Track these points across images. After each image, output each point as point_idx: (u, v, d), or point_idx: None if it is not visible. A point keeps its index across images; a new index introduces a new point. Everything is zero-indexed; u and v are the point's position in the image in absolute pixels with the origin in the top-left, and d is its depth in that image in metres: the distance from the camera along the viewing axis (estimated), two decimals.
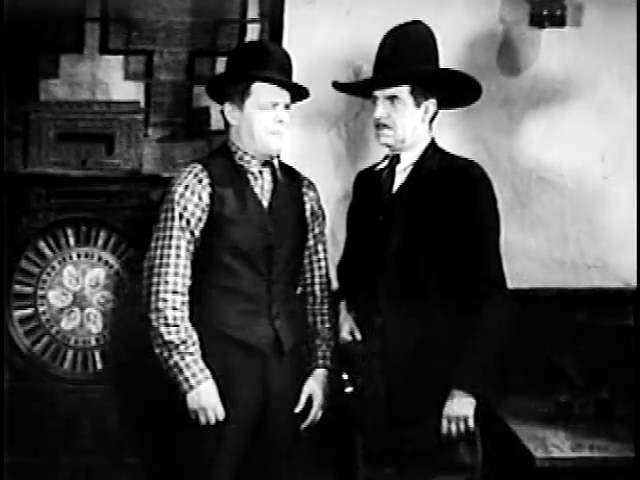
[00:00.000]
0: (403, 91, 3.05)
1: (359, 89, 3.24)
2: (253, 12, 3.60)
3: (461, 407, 2.98)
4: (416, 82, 3.05)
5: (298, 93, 3.18)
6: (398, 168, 3.11)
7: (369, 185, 3.19)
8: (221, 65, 3.56)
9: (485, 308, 2.98)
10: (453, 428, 2.98)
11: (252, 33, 3.59)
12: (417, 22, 3.12)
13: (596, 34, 3.68)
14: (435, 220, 3.01)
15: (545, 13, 3.60)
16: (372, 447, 3.15)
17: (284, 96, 3.10)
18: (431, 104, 3.08)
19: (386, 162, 3.15)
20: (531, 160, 3.71)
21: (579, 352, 3.68)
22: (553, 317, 3.70)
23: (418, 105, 3.06)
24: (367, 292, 3.10)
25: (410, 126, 3.06)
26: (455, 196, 3.00)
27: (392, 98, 3.05)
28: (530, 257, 3.70)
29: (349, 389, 3.15)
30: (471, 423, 2.98)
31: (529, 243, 3.69)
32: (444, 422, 2.99)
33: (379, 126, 3.08)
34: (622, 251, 3.74)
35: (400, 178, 3.10)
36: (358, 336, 3.15)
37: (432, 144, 3.12)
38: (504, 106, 3.67)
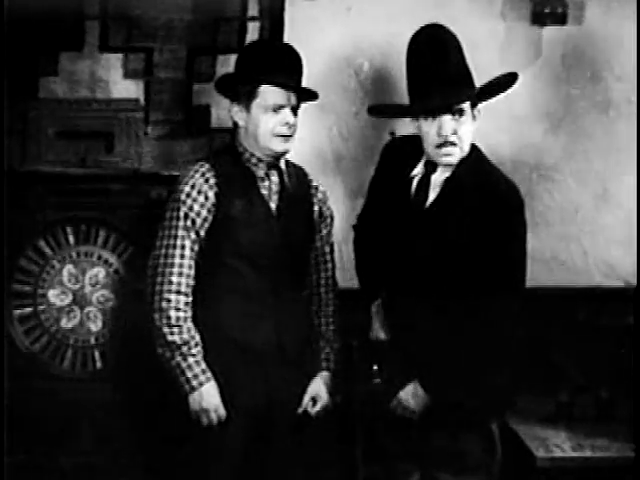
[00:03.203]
0: (467, 104, 2.91)
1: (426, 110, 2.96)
2: (253, 10, 3.59)
3: (410, 399, 2.94)
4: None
5: (306, 95, 3.16)
6: (433, 177, 2.96)
7: (398, 190, 3.01)
8: (221, 63, 3.56)
9: (493, 328, 2.89)
10: (398, 411, 2.96)
11: (252, 31, 3.58)
12: (439, 26, 2.98)
13: (597, 32, 3.68)
14: (465, 242, 2.88)
15: (546, 11, 3.60)
16: (385, 442, 3.13)
17: (291, 98, 3.08)
18: (478, 112, 2.95)
19: (420, 168, 3.00)
20: (532, 159, 3.71)
21: (580, 351, 3.68)
22: (553, 316, 3.69)
23: (473, 115, 2.94)
24: (395, 297, 3.03)
25: (470, 139, 2.94)
26: (489, 224, 2.86)
27: (458, 112, 2.88)
28: (531, 256, 3.64)
29: (377, 380, 3.11)
30: (416, 417, 2.94)
31: (530, 242, 3.66)
32: (394, 401, 2.95)
33: (445, 144, 2.88)
34: (622, 250, 3.74)
35: (434, 192, 2.95)
36: (384, 336, 3.10)
37: (472, 151, 2.96)
38: (506, 104, 3.66)
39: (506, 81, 3.02)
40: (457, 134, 2.88)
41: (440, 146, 2.89)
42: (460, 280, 2.88)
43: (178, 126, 3.63)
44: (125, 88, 3.58)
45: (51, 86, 3.54)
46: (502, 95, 3.63)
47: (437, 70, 2.87)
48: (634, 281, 3.71)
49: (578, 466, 3.18)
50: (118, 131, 3.57)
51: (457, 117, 2.87)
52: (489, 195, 2.89)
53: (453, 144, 2.89)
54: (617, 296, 3.74)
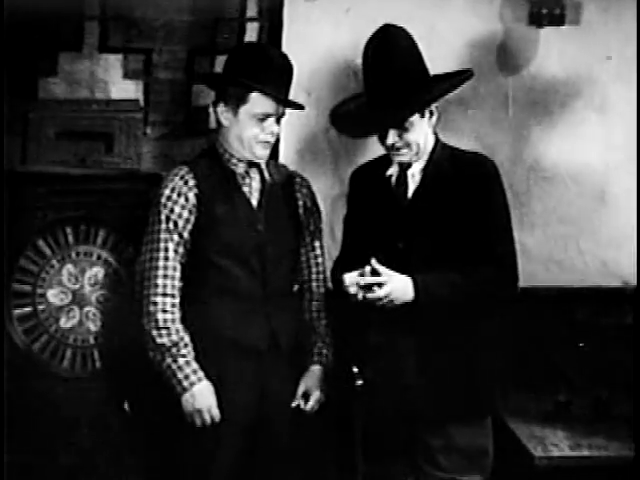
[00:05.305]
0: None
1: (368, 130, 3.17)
2: (252, 11, 3.60)
3: (398, 291, 2.92)
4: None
5: (293, 106, 3.17)
6: (409, 172, 3.05)
7: (377, 190, 3.10)
8: (220, 64, 3.55)
9: (487, 272, 2.96)
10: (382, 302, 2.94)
11: (251, 32, 3.59)
12: (390, 28, 3.02)
13: (595, 33, 3.69)
14: (455, 218, 2.97)
15: (544, 12, 3.60)
16: (381, 443, 3.12)
17: (279, 109, 3.10)
18: (434, 108, 3.02)
19: (395, 168, 3.07)
20: (530, 159, 3.72)
21: (578, 351, 3.68)
22: (552, 316, 3.70)
23: (423, 116, 3.00)
24: None
25: (422, 137, 3.01)
26: (472, 193, 2.97)
27: (398, 126, 2.97)
28: (529, 256, 3.69)
29: (359, 382, 3.12)
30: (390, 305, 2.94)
31: (528, 242, 3.69)
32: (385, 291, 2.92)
33: (392, 148, 3.00)
34: (621, 250, 3.74)
35: (413, 183, 3.04)
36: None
37: (437, 141, 3.08)
38: (503, 105, 3.68)
39: (460, 79, 3.09)
40: (403, 139, 2.98)
41: (389, 149, 3.02)
42: (454, 257, 2.95)
43: (177, 127, 3.64)
44: (124, 89, 3.59)
45: (50, 87, 3.55)
46: (500, 96, 3.68)
47: (376, 91, 2.98)
48: (633, 281, 3.71)
49: (576, 465, 3.19)
50: (117, 132, 3.58)
51: (399, 129, 2.97)
52: (463, 168, 3.01)
53: (401, 148, 2.99)
54: (615, 296, 3.74)
